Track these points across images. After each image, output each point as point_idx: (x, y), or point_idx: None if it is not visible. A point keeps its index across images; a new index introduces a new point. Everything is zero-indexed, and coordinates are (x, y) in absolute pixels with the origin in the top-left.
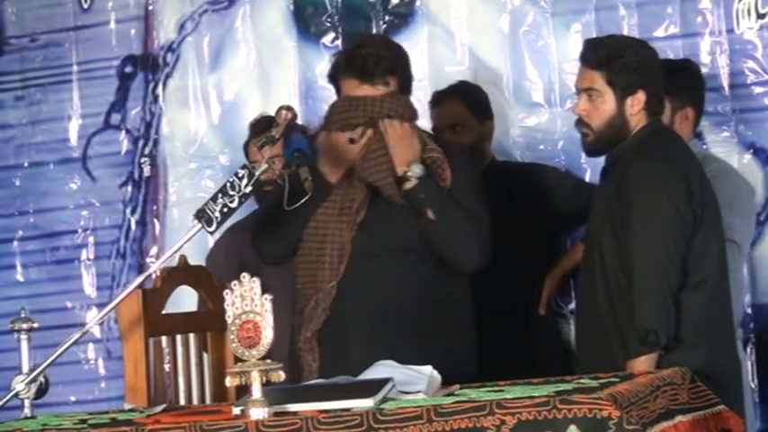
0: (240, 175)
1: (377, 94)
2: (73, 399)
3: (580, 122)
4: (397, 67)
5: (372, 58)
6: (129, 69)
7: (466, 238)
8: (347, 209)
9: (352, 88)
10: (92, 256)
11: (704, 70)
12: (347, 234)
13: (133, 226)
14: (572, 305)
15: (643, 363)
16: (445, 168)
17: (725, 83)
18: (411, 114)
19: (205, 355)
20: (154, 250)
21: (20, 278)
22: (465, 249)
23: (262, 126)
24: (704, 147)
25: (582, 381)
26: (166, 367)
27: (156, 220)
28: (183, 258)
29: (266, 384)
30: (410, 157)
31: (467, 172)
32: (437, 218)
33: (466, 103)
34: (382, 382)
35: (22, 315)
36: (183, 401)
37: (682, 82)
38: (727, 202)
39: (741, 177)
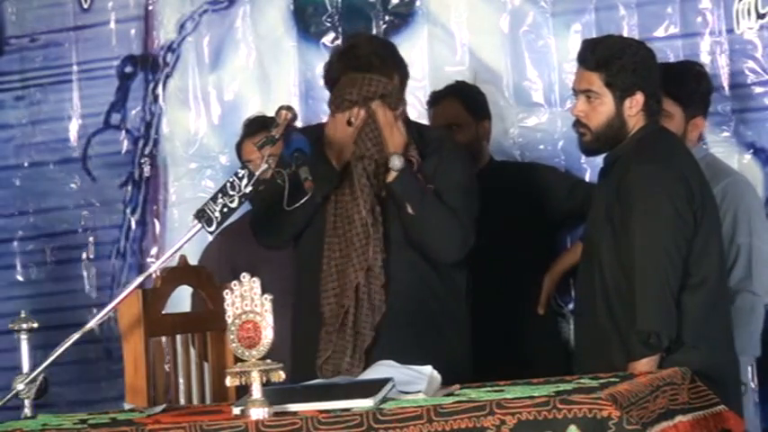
0: (240, 175)
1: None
2: (73, 399)
3: (578, 123)
4: (395, 63)
5: (372, 56)
6: (129, 69)
7: (446, 231)
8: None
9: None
10: (92, 256)
11: None
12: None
13: (133, 226)
14: (572, 305)
15: (645, 365)
16: (419, 178)
17: (725, 83)
18: (396, 104)
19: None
20: (154, 250)
21: (20, 278)
22: (444, 243)
23: (256, 125)
24: (704, 147)
25: (582, 381)
26: (166, 367)
27: (156, 220)
28: (183, 258)
29: (266, 384)
30: (392, 147)
31: (453, 162)
32: (416, 212)
33: (463, 103)
34: (382, 382)
35: (22, 315)
36: (183, 401)
37: (694, 88)
38: (746, 219)
39: (754, 190)
